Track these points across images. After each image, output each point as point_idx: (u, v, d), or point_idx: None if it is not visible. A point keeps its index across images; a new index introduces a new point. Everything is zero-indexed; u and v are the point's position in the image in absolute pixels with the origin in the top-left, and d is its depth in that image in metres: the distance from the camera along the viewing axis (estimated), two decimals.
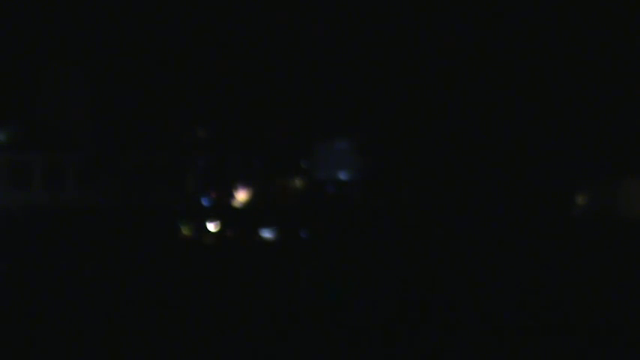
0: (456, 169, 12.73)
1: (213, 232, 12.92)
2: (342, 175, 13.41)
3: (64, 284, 10.76)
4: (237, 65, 13.55)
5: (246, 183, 13.42)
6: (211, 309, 9.79)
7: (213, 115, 13.63)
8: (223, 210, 13.24)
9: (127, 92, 13.49)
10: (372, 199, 13.27)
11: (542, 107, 12.67)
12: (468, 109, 12.81)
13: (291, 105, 13.59)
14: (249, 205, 13.35)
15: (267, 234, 12.88)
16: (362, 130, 13.44)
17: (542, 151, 12.53)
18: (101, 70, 13.46)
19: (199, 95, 13.57)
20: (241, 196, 13.39)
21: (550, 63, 12.66)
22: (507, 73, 12.73)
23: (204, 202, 13.35)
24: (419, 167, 12.94)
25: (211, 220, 12.94)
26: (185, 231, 12.81)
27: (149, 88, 13.49)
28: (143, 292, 10.44)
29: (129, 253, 11.88)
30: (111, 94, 13.51)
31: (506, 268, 11.12)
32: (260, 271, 11.51)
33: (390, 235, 12.38)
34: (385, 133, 13.37)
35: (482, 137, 12.69)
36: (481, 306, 9.76)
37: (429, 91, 12.98)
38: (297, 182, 13.51)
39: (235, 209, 13.33)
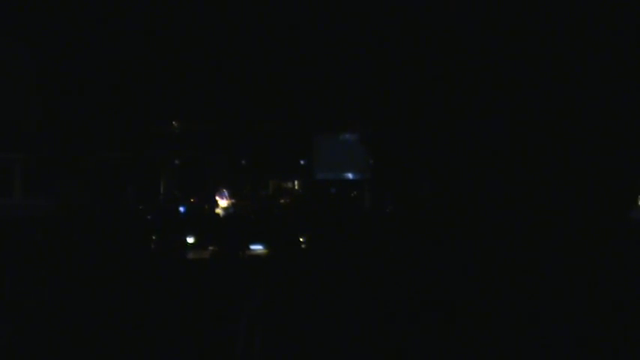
0: (496, 170, 11.54)
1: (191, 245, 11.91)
2: (349, 175, 12.83)
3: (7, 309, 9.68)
4: (219, 46, 12.45)
5: (232, 186, 12.79)
6: (187, 335, 9.01)
7: (193, 105, 12.59)
8: (204, 219, 12.28)
9: (87, 78, 12.34)
10: (385, 203, 12.37)
11: (593, 107, 11.76)
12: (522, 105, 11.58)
13: (286, 93, 12.57)
14: (235, 212, 12.56)
15: (257, 247, 11.85)
16: (372, 120, 12.47)
17: (596, 152, 11.79)
18: (53, 51, 12.36)
19: (175, 82, 12.54)
20: (226, 201, 12.61)
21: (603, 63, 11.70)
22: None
23: (181, 209, 12.53)
24: (447, 166, 11.81)
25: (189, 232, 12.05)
26: (158, 243, 11.76)
27: (114, 73, 12.31)
28: (107, 316, 9.47)
29: (88, 271, 10.61)
30: (66, 82, 12.33)
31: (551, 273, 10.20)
32: (248, 292, 10.13)
33: (408, 249, 11.16)
34: (400, 124, 12.15)
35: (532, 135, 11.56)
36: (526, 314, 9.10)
37: (462, 79, 11.72)
38: (295, 184, 13.03)
39: (219, 217, 12.46)
